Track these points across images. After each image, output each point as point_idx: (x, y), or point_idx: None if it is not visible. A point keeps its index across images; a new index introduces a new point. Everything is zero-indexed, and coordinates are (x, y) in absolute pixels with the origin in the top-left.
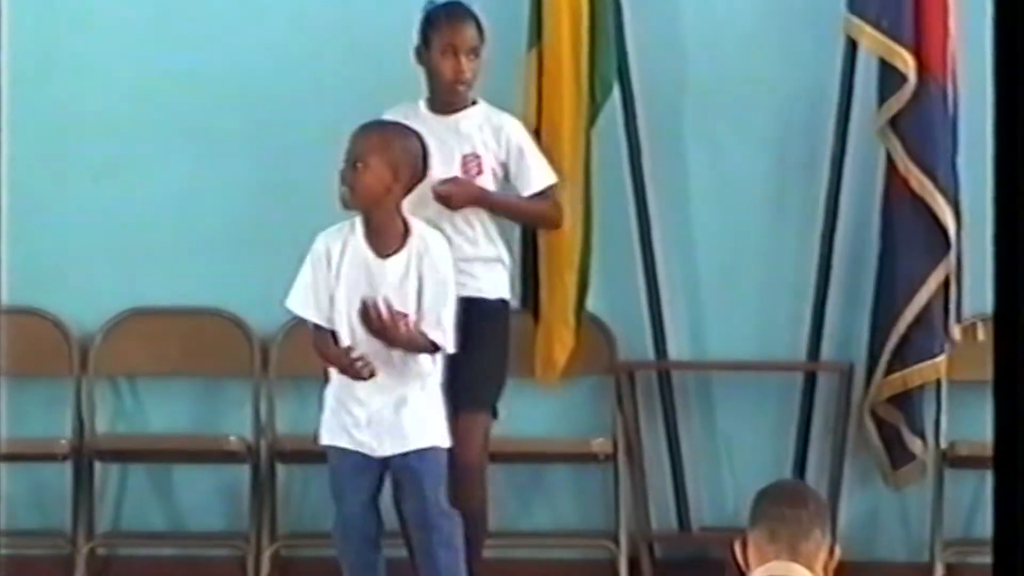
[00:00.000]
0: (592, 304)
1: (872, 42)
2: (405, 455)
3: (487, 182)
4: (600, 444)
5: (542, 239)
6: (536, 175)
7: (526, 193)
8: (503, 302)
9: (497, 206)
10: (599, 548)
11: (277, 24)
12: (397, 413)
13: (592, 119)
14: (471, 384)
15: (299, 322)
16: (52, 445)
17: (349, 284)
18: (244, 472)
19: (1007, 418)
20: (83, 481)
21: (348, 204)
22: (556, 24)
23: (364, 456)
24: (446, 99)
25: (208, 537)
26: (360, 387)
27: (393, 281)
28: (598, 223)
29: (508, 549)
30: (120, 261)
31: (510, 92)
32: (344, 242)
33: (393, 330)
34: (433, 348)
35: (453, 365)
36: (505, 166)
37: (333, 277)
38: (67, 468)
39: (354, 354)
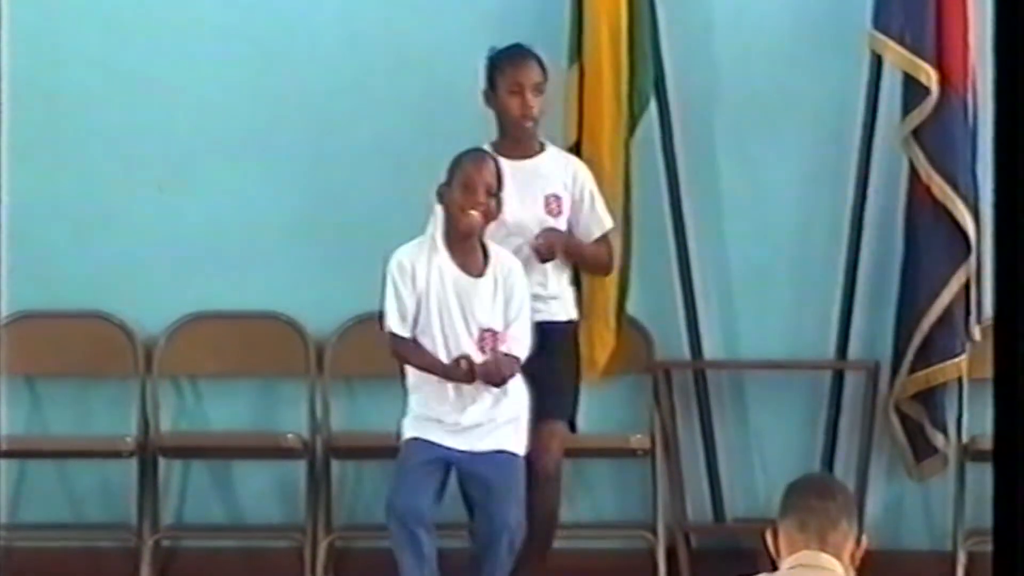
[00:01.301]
0: (630, 307)
1: (896, 57)
2: (478, 456)
3: (563, 222)
4: (638, 440)
5: None
6: (602, 219)
7: (592, 235)
8: (572, 322)
9: (586, 257)
10: (638, 539)
11: (330, 42)
12: (488, 416)
13: (631, 131)
14: (551, 397)
15: (353, 324)
16: (118, 443)
17: (440, 301)
18: (300, 468)
19: (1007, 416)
20: (148, 477)
21: (475, 231)
22: (596, 41)
23: (444, 448)
24: (516, 138)
25: (266, 529)
26: (451, 397)
27: (485, 300)
28: (636, 229)
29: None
30: (182, 268)
31: (551, 108)
32: (428, 260)
33: (504, 371)
34: (516, 365)
35: (533, 380)
36: (573, 209)
37: (421, 292)
38: (133, 464)
39: (463, 364)
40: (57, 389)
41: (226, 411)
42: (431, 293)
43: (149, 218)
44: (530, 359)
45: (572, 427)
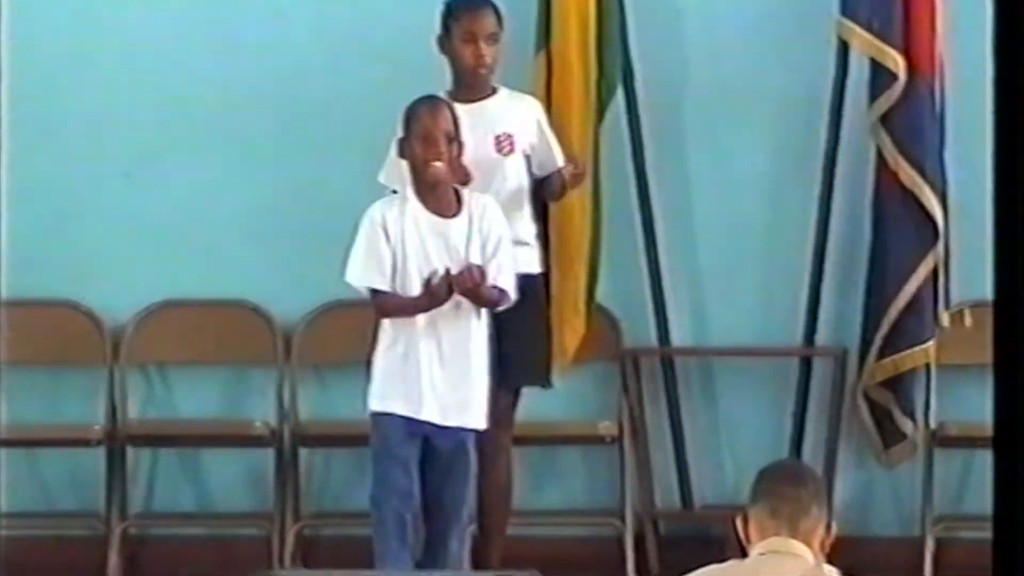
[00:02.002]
0: (599, 294)
1: (863, 43)
2: (451, 431)
3: (517, 160)
4: (606, 427)
5: (553, 231)
6: (556, 155)
7: (548, 170)
8: (542, 275)
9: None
10: (606, 525)
11: (299, 28)
12: (459, 388)
13: (599, 118)
14: (518, 362)
15: (321, 312)
16: (87, 431)
17: (415, 247)
18: (269, 456)
19: (1007, 401)
20: (116, 465)
21: (442, 180)
22: (564, 28)
23: (418, 423)
24: (469, 85)
25: (235, 517)
26: (422, 354)
27: (461, 239)
28: (604, 216)
29: (521, 527)
30: (150, 255)
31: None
32: (400, 211)
33: (484, 287)
34: (500, 296)
35: (500, 337)
36: (533, 145)
37: (396, 243)
38: (101, 453)
39: (435, 279)
40: (25, 377)
41: (194, 399)
42: (407, 241)
43: (117, 206)
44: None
45: (548, 384)
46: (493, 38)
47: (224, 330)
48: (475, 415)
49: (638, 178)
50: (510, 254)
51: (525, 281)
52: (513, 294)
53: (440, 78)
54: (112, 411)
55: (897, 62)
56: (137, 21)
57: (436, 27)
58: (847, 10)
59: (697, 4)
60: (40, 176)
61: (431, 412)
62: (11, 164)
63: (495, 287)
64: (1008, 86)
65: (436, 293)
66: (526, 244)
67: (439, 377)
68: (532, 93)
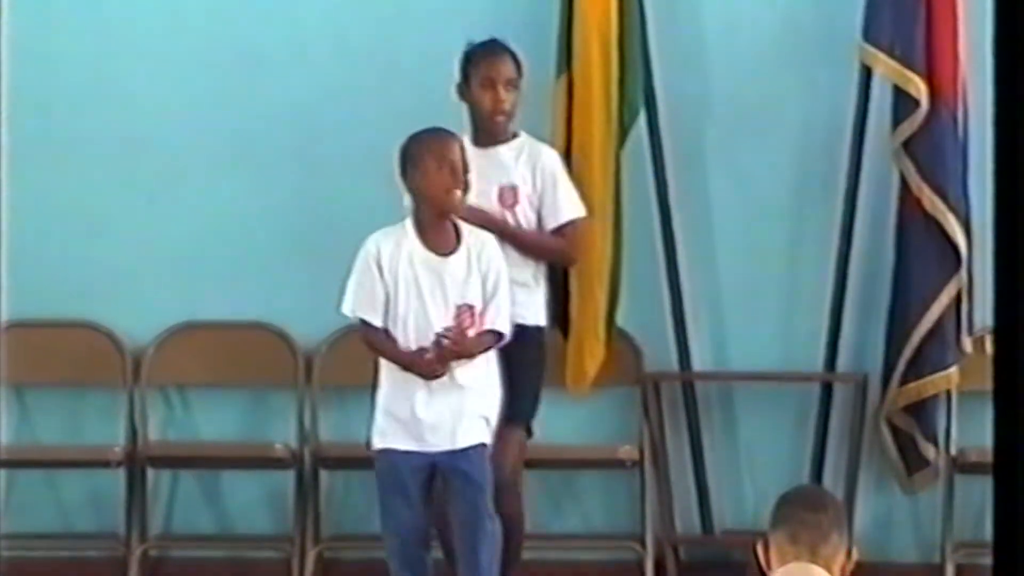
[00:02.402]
0: (619, 318)
1: (886, 69)
2: (457, 452)
3: (522, 212)
4: (627, 451)
5: None
6: (564, 207)
7: (551, 224)
8: (539, 329)
9: (527, 244)
10: (626, 550)
11: (320, 52)
12: (455, 412)
13: (620, 142)
14: (510, 402)
15: (342, 334)
16: (107, 452)
17: (408, 283)
18: (289, 478)
19: (1007, 423)
20: (136, 486)
21: (455, 211)
22: (586, 51)
23: (421, 455)
24: (487, 130)
25: (255, 540)
26: (419, 387)
27: (458, 277)
28: (625, 240)
29: (540, 551)
30: (171, 277)
31: (540, 117)
32: (397, 244)
33: (471, 346)
34: (495, 340)
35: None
36: (540, 197)
37: (389, 278)
38: (121, 474)
39: (427, 356)
40: (46, 398)
41: (215, 421)
42: (399, 278)
43: (139, 228)
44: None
45: (528, 432)
46: (511, 84)
47: (245, 352)
48: (479, 431)
49: (659, 202)
50: (508, 294)
51: (528, 331)
52: (508, 335)
53: (458, 103)
54: (132, 432)
55: (920, 88)
56: (161, 45)
57: (455, 75)
58: (870, 35)
59: (719, 28)
60: (63, 197)
61: (434, 442)
62: (35, 186)
63: (490, 331)
64: (1008, 91)
65: (425, 371)
66: (525, 287)
67: (437, 407)
68: (553, 116)
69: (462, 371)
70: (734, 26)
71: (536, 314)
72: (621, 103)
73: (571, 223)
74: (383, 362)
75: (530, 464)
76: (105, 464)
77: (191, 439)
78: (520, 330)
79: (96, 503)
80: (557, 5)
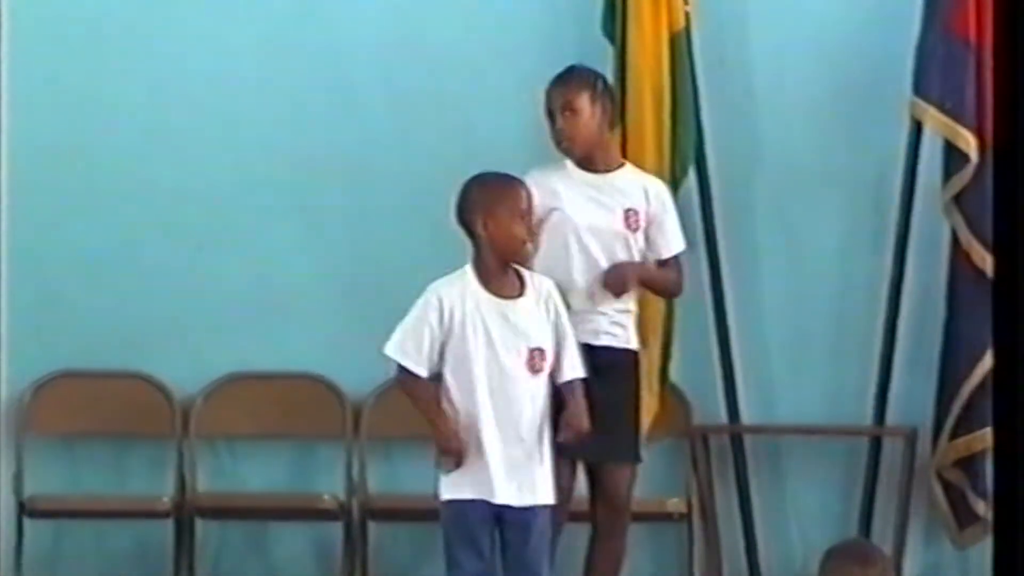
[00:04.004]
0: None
1: (936, 123)
2: (527, 509)
3: (640, 237)
4: (675, 504)
5: None
6: (675, 238)
7: (664, 253)
8: (636, 352)
9: (656, 282)
10: None
11: (371, 101)
12: (527, 466)
13: (671, 196)
14: (623, 436)
15: (390, 386)
16: (155, 503)
17: (476, 329)
18: (337, 529)
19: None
20: (184, 537)
21: (527, 261)
22: (639, 107)
23: (490, 505)
24: (572, 158)
25: None
26: (486, 435)
27: (528, 320)
28: None
29: None
30: (220, 328)
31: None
32: (461, 291)
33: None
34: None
35: (597, 413)
36: (649, 225)
37: (455, 326)
38: (169, 525)
39: (458, 443)
40: (94, 448)
41: (263, 472)
42: (467, 324)
43: (188, 278)
44: (593, 388)
45: (638, 458)
46: (568, 107)
47: (293, 403)
48: (546, 491)
49: (709, 256)
50: (574, 338)
51: (624, 356)
52: (582, 377)
53: (513, 148)
54: (181, 483)
55: (969, 142)
56: (209, 91)
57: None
58: (920, 89)
59: (769, 83)
60: (112, 247)
61: (504, 495)
62: (84, 236)
63: (571, 380)
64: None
65: (446, 452)
66: (628, 313)
67: (507, 457)
68: None
69: (537, 414)
70: (784, 80)
71: (632, 337)
72: (672, 158)
73: (679, 255)
74: (445, 409)
75: (578, 516)
76: (153, 515)
77: (239, 490)
78: (627, 355)
79: (144, 554)
80: (610, 53)
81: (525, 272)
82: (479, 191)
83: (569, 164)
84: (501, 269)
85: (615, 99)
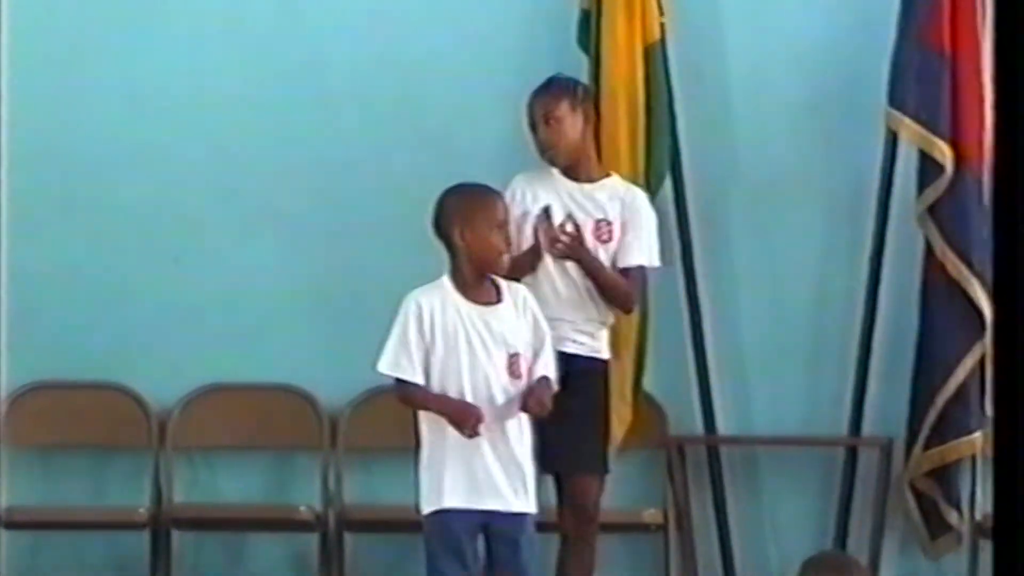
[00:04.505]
0: (644, 382)
1: (911, 134)
2: (513, 517)
3: (611, 248)
4: (651, 515)
5: None
6: (637, 252)
7: (621, 262)
8: (606, 362)
9: (602, 279)
10: None
11: (347, 114)
12: (515, 469)
13: None
14: (588, 445)
15: (367, 397)
16: (132, 514)
17: (457, 336)
18: (313, 540)
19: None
20: (161, 548)
21: (503, 272)
22: (613, 117)
23: (476, 513)
24: (556, 167)
25: None
26: (473, 443)
27: (507, 326)
28: (651, 305)
29: None
30: (197, 340)
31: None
32: (441, 299)
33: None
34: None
35: (561, 422)
36: (621, 232)
37: (438, 334)
38: (146, 536)
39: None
40: (71, 460)
41: (239, 483)
42: (448, 332)
43: (164, 290)
44: (561, 397)
45: (606, 469)
46: (549, 117)
47: (270, 414)
48: (531, 499)
49: (685, 266)
50: (551, 344)
51: (591, 364)
52: (556, 385)
53: (490, 162)
54: (157, 495)
55: (944, 153)
56: (186, 105)
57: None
58: (895, 100)
59: (745, 94)
60: (88, 259)
61: (493, 500)
62: (61, 247)
63: (543, 378)
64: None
65: (471, 423)
66: (595, 322)
67: (495, 465)
68: None
69: (520, 424)
70: (760, 91)
71: (606, 347)
72: (647, 168)
73: (640, 268)
74: (425, 422)
75: (546, 527)
76: (130, 526)
77: (216, 501)
78: (594, 363)
79: (121, 565)
80: (586, 65)
81: (500, 280)
82: (456, 201)
83: (556, 172)
84: (478, 279)
85: (598, 107)
